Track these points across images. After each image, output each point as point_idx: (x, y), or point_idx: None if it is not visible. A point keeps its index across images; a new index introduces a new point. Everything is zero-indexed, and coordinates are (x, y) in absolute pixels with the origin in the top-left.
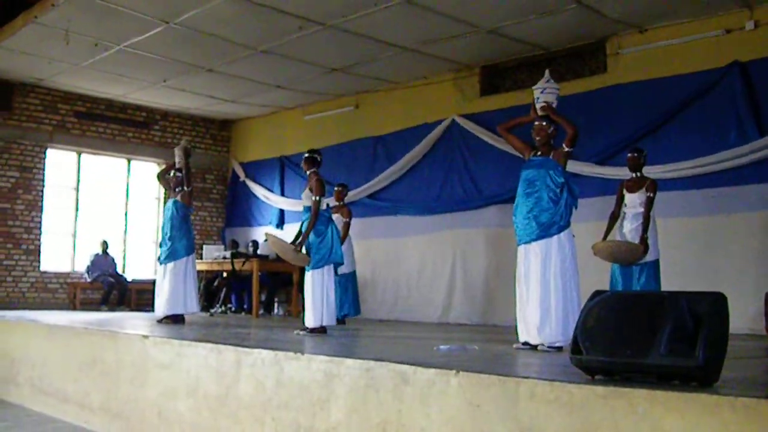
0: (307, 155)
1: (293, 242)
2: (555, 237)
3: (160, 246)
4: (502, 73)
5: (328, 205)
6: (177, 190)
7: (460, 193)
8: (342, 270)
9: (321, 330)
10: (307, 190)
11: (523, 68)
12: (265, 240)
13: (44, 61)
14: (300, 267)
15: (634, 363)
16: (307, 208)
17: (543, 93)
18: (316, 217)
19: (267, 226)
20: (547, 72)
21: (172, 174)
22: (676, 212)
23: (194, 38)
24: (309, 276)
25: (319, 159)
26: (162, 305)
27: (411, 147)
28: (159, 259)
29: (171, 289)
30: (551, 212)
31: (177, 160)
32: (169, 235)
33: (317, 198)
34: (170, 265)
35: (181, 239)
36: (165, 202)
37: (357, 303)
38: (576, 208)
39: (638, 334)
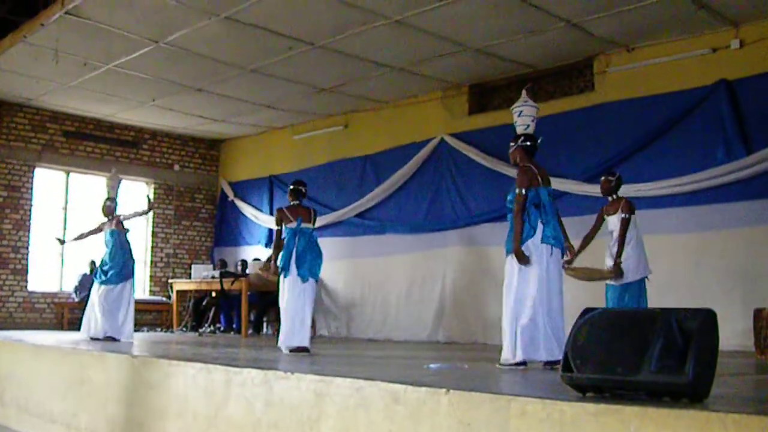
0: (291, 188)
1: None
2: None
3: (101, 268)
4: (491, 91)
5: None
6: (110, 219)
7: (449, 212)
8: None
9: (304, 350)
10: None
11: (511, 87)
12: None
13: (33, 81)
14: None
15: (624, 380)
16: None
17: (520, 116)
18: (277, 242)
19: (256, 246)
20: (524, 92)
21: (106, 204)
22: (665, 229)
23: (183, 58)
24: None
25: (303, 190)
26: (100, 325)
27: (400, 166)
28: (96, 277)
29: (110, 311)
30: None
31: (108, 189)
32: (109, 265)
33: (278, 228)
34: (109, 287)
35: (118, 265)
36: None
37: None
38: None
39: (629, 351)
